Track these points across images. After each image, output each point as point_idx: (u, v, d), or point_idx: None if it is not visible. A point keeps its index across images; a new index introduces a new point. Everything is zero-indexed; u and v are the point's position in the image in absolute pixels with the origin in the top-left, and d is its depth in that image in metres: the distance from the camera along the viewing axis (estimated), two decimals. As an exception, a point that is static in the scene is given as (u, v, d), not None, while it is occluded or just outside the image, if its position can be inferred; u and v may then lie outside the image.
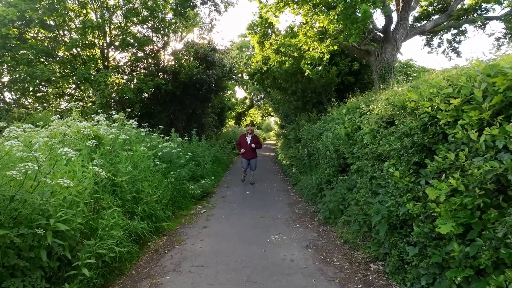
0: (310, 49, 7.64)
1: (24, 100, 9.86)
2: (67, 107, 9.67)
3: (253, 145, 7.02)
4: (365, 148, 3.50)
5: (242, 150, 7.06)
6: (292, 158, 8.63)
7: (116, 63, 10.41)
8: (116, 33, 9.97)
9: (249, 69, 15.27)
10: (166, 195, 4.49)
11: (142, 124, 6.23)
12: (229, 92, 20.13)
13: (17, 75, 8.41)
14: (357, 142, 3.83)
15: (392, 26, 7.34)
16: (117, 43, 9.89)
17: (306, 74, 7.87)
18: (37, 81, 8.63)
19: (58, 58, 9.55)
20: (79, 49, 9.42)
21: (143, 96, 10.37)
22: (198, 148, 8.43)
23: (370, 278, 2.71)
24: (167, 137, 6.57)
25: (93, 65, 9.05)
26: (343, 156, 4.42)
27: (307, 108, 9.61)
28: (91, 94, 9.58)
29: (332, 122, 5.53)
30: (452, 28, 8.97)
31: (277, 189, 6.81)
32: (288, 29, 8.20)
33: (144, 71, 10.54)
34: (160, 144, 5.73)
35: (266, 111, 31.42)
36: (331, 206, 4.20)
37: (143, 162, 4.28)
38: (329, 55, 7.46)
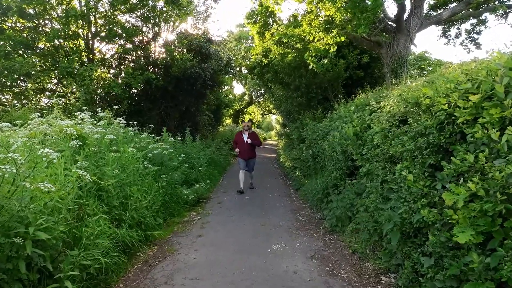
0: (315, 40, 7.65)
1: (1, 96, 9.86)
2: (48, 104, 9.67)
3: (249, 141, 6.85)
4: (375, 149, 3.50)
5: (237, 150, 6.89)
6: (295, 160, 8.64)
7: (102, 55, 10.41)
8: (102, 22, 9.98)
9: (248, 62, 15.26)
10: (157, 200, 4.49)
11: (130, 122, 6.23)
12: (226, 87, 20.16)
13: (-7, 69, 8.41)
14: (366, 143, 3.83)
15: (405, 15, 7.35)
16: (103, 34, 9.90)
17: (310, 67, 7.87)
18: (16, 76, 8.63)
19: (38, 50, 9.55)
20: (61, 41, 9.42)
21: (131, 92, 10.36)
22: (192, 149, 8.43)
23: (381, 291, 2.71)
24: (158, 137, 6.57)
25: (76, 58, 9.05)
26: (351, 158, 4.42)
27: (311, 105, 9.61)
28: (74, 90, 9.57)
29: (339, 120, 5.53)
30: (471, 17, 8.98)
31: (279, 194, 6.81)
32: (291, 18, 8.21)
33: (132, 64, 10.54)
34: (151, 144, 5.73)
35: (267, 109, 31.45)
36: (338, 213, 4.20)
37: (132, 165, 4.28)
38: (335, 47, 7.46)
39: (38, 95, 10.46)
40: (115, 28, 9.66)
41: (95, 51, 10.18)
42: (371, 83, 8.94)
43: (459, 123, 2.29)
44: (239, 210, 5.49)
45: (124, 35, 9.88)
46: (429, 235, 2.38)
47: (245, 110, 27.98)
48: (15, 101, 9.65)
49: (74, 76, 8.82)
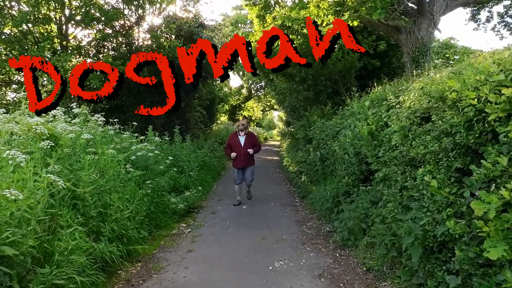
0: (324, 25, 7.67)
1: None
2: (15, 99, 9.67)
3: (250, 151, 6.29)
4: (393, 151, 3.50)
5: (233, 155, 6.29)
6: (301, 164, 8.64)
7: (77, 42, 10.42)
8: (78, 4, 9.99)
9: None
10: (141, 210, 4.49)
11: (110, 120, 6.23)
12: (221, 79, 20.14)
13: (-48, 58, 8.41)
14: (383, 143, 3.83)
15: (428, -4, 7.38)
16: (78, 18, 9.90)
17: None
18: (-23, 66, 8.64)
19: (4, 37, 9.56)
20: (30, 25, 9.42)
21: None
22: (181, 150, 8.44)
23: (401, 315, 2.71)
24: (142, 137, 6.57)
25: (48, 45, 9.05)
26: (366, 161, 4.43)
27: (320, 99, 9.62)
28: (45, 82, 9.57)
29: (351, 117, 5.54)
30: (504, -1, 9.01)
31: (282, 203, 6.81)
32: None
33: (113, 53, 10.55)
34: (133, 145, 5.73)
35: (268, 104, 31.51)
36: (350, 225, 4.21)
37: (112, 169, 4.28)
38: (348, 33, 7.47)
39: (3, 88, 10.46)
40: (92, 11, 9.66)
41: (70, 38, 10.19)
42: (388, 74, 8.96)
43: (491, 121, 2.29)
44: (236, 221, 5.49)
45: (102, 18, 9.88)
46: (455, 250, 2.38)
47: (242, 105, 28.03)
48: (-23, 95, 9.65)
49: (45, 66, 8.80)
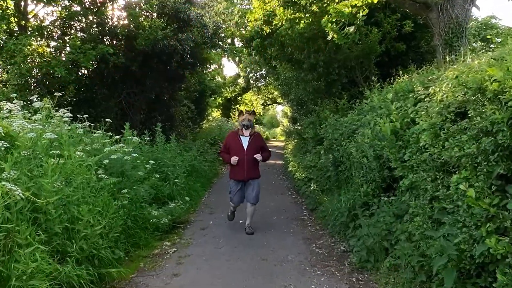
0: (337, 0, 7.66)
1: None
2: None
3: (258, 157, 5.66)
4: (422, 153, 3.50)
5: (234, 159, 5.61)
6: (310, 169, 8.63)
7: (38, 22, 10.40)
8: (39, -25, 9.96)
9: (244, 32, 15.27)
10: (116, 225, 4.47)
11: (79, 116, 6.21)
12: (213, 67, 20.17)
13: None
14: (410, 144, 3.83)
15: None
16: (40, -9, 9.88)
17: (330, 38, 7.89)
18: None
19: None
20: (-19, 1, 9.40)
21: (80, 74, 10.35)
22: (165, 153, 8.43)
23: None
24: (118, 136, 6.56)
25: (4, 26, 9.03)
26: (389, 166, 4.42)
27: (332, 91, 9.62)
28: (0, 70, 9.56)
29: (371, 113, 5.53)
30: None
31: (287, 217, 6.81)
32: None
33: (82, 34, 10.52)
34: (107, 147, 5.71)
35: (270, 97, 31.51)
36: (369, 243, 4.20)
37: (80, 175, 4.27)
38: (366, 10, 7.47)
39: None
40: (57, -16, 9.65)
41: (29, 16, 10.17)
42: (416, 60, 8.94)
43: (539, 117, 2.29)
44: (231, 238, 5.47)
45: (69, -7, 9.87)
46: (497, 274, 2.38)
47: (239, 98, 28.05)
48: None
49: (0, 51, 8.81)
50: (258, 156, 5.64)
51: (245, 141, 5.72)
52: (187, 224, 6.34)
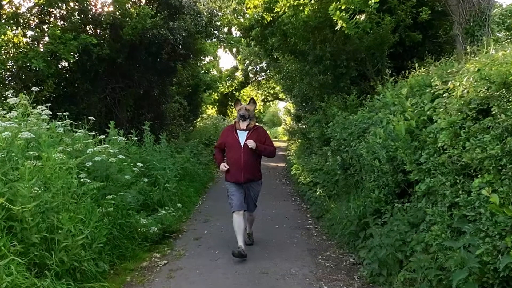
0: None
1: None
2: None
3: (250, 143, 5.07)
4: (440, 155, 3.50)
5: (222, 167, 5.25)
6: (316, 172, 8.63)
7: (13, 9, 10.39)
8: (15, -43, 9.95)
9: (242, 20, 15.24)
10: (100, 235, 4.46)
11: (59, 113, 6.21)
12: (207, 59, 20.20)
13: None
14: (426, 145, 3.83)
15: None
16: (15, -25, 9.86)
17: (339, 28, 7.89)
18: None
19: None
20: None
21: (60, 67, 10.35)
22: (154, 154, 8.42)
23: None
24: (102, 136, 6.56)
25: (-25, 13, 9.00)
26: (403, 169, 4.42)
27: (341, 86, 9.61)
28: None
29: (384, 110, 5.53)
30: None
31: (290, 225, 6.81)
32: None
33: (62, 23, 10.51)
34: (90, 147, 5.71)
35: (271, 92, 31.51)
36: (382, 255, 4.18)
37: (61, 179, 4.26)
38: (379, -4, 7.47)
39: None
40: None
41: (4, 3, 10.15)
42: (433, 51, 8.94)
43: None
44: (227, 250, 5.45)
45: (48, -23, 9.86)
46: (524, 288, 2.38)
47: (237, 93, 28.04)
48: None
49: (-30, 41, 8.79)
50: (250, 142, 5.05)
51: (242, 136, 5.22)
52: (179, 233, 6.32)
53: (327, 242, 5.82)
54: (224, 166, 5.24)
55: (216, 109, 26.08)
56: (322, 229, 6.51)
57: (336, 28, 8.17)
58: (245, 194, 5.30)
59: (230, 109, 26.35)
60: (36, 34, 10.25)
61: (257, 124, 5.57)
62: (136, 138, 8.02)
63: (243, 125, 5.28)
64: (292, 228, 6.61)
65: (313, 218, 7.30)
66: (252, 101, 5.63)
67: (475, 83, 3.33)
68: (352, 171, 6.19)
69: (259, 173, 5.46)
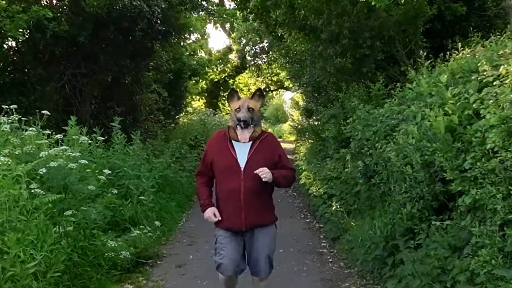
0: None
1: None
2: None
3: (262, 174, 3.74)
4: (490, 160, 3.49)
5: (209, 214, 4.08)
6: (331, 182, 8.63)
7: None
8: None
9: (238, -12, 15.23)
10: (57, 261, 4.46)
11: (4, 106, 6.21)
12: (193, 37, 20.19)
13: None
14: (472, 147, 3.82)
15: None
16: None
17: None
18: None
19: None
20: None
21: (6, 47, 10.33)
22: (125, 159, 8.41)
23: None
24: (59, 135, 6.55)
25: None
26: (442, 178, 4.42)
27: (363, 71, 9.62)
28: None
29: (418, 102, 5.53)
30: None
31: (299, 249, 6.82)
32: None
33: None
34: (44, 150, 5.70)
35: (274, 79, 31.49)
36: (415, 286, 4.19)
37: (5, 190, 4.26)
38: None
39: None
40: None
41: None
42: (480, 27, 8.96)
43: None
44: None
45: None
46: None
47: (230, 81, 28.01)
48: None
49: None
50: (264, 173, 3.75)
51: (242, 152, 4.01)
52: (157, 259, 6.32)
53: (346, 271, 5.82)
54: (213, 214, 4.05)
55: (205, 101, 26.08)
56: (339, 253, 6.51)
57: (357, -1, 8.20)
58: (246, 248, 4.17)
59: (223, 101, 26.31)
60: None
61: (263, 129, 4.34)
62: (102, 138, 7.99)
63: (244, 135, 3.98)
64: (301, 253, 6.61)
65: (327, 239, 7.30)
66: (259, 94, 4.24)
67: (534, 68, 3.34)
68: (377, 180, 6.20)
69: (271, 213, 4.22)
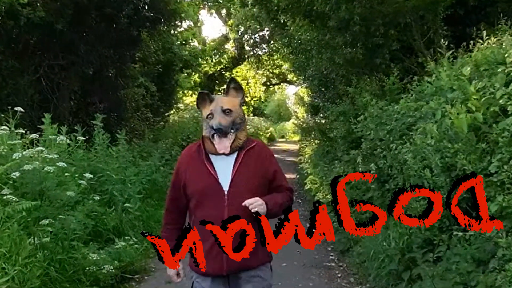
0: None
1: None
2: None
3: (253, 206, 3.03)
4: (518, 162, 3.51)
5: (175, 276, 3.38)
6: (340, 187, 8.64)
7: None
8: None
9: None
10: (32, 276, 4.48)
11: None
12: (185, 25, 20.19)
13: None
14: (499, 147, 3.85)
15: None
16: None
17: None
18: None
19: None
20: None
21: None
22: (109, 162, 8.44)
23: None
24: (35, 135, 6.57)
25: None
26: (465, 182, 4.44)
27: (376, 63, 9.63)
28: None
29: (438, 97, 5.55)
30: None
31: (304, 262, 6.84)
32: None
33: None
34: (17, 151, 5.72)
35: (276, 72, 31.42)
36: (435, 304, 4.21)
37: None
38: None
39: None
40: None
41: None
42: (508, 14, 8.98)
43: None
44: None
45: None
46: None
47: (226, 74, 27.97)
48: None
49: None
50: (251, 203, 3.04)
51: (224, 168, 3.30)
52: (144, 274, 6.34)
53: (357, 287, 5.84)
54: (174, 273, 3.38)
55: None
56: (348, 267, 6.53)
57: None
58: None
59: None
60: None
61: (251, 136, 3.66)
62: (83, 138, 8.02)
63: (223, 143, 3.20)
64: (307, 267, 6.64)
65: (335, 252, 7.33)
66: (234, 87, 3.46)
67: None
68: (392, 185, 6.21)
69: (262, 250, 3.23)
